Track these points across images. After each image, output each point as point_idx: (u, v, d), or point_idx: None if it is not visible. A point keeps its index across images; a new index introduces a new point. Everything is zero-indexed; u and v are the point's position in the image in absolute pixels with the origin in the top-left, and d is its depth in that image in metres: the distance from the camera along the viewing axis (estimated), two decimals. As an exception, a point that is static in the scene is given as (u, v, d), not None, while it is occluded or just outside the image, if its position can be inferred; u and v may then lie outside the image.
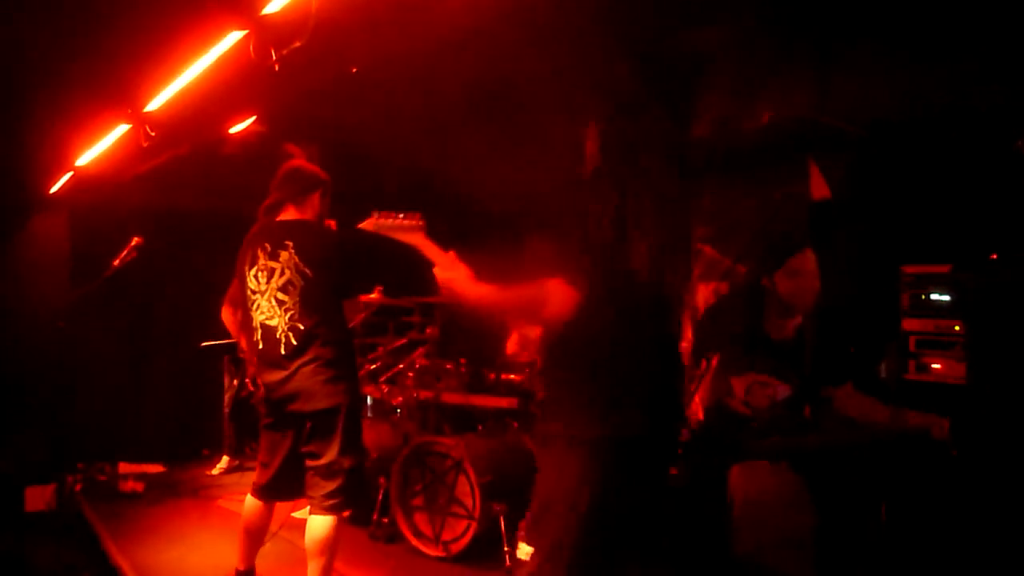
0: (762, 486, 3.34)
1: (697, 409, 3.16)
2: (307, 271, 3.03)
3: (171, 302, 5.94)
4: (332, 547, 3.02)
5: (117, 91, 3.55)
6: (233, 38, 2.74)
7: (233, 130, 4.20)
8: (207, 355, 5.70)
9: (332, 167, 3.40)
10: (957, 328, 3.53)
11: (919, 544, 2.96)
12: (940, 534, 2.95)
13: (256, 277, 3.08)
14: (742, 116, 4.00)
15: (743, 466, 3.37)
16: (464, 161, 4.73)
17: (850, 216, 4.15)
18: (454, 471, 3.98)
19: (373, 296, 4.59)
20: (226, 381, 5.70)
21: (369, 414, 5.12)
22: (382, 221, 2.18)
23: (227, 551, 3.78)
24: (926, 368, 3.59)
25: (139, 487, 5.22)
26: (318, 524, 3.02)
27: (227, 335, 5.31)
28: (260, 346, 3.07)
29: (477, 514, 3.84)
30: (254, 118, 4.04)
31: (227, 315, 5.35)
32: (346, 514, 3.11)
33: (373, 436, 4.54)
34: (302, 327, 3.00)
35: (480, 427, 4.72)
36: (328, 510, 3.02)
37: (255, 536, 3.22)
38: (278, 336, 3.02)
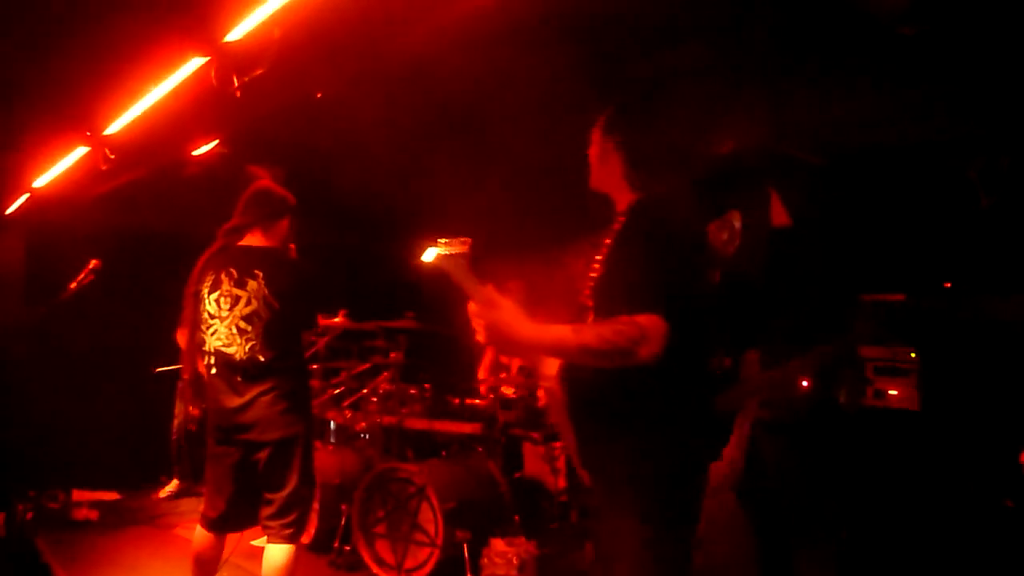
0: (718, 504, 3.38)
1: None
2: (275, 304, 2.99)
3: (128, 325, 5.83)
4: (291, 574, 2.99)
5: (76, 114, 3.52)
6: (195, 64, 2.72)
7: (196, 152, 4.16)
8: (162, 380, 5.61)
9: (296, 189, 3.38)
10: (913, 355, 3.59)
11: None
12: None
13: (217, 302, 3.02)
14: (702, 143, 4.07)
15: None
16: (427, 181, 4.74)
17: (808, 243, 4.22)
18: (417, 498, 3.94)
19: (337, 320, 4.56)
20: (177, 407, 5.61)
21: (332, 439, 5.06)
22: (444, 248, 1.81)
23: (183, 582, 3.70)
24: (882, 394, 3.65)
25: (93, 515, 5.09)
26: (277, 552, 2.99)
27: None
28: (213, 371, 3.01)
29: (440, 541, 3.81)
30: (216, 141, 4.01)
31: (184, 338, 5.28)
32: (306, 540, 3.07)
33: (336, 462, 4.49)
34: (262, 359, 2.96)
35: (444, 453, 4.69)
36: (288, 539, 3.00)
37: (207, 567, 3.15)
38: (235, 364, 2.97)
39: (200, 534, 3.12)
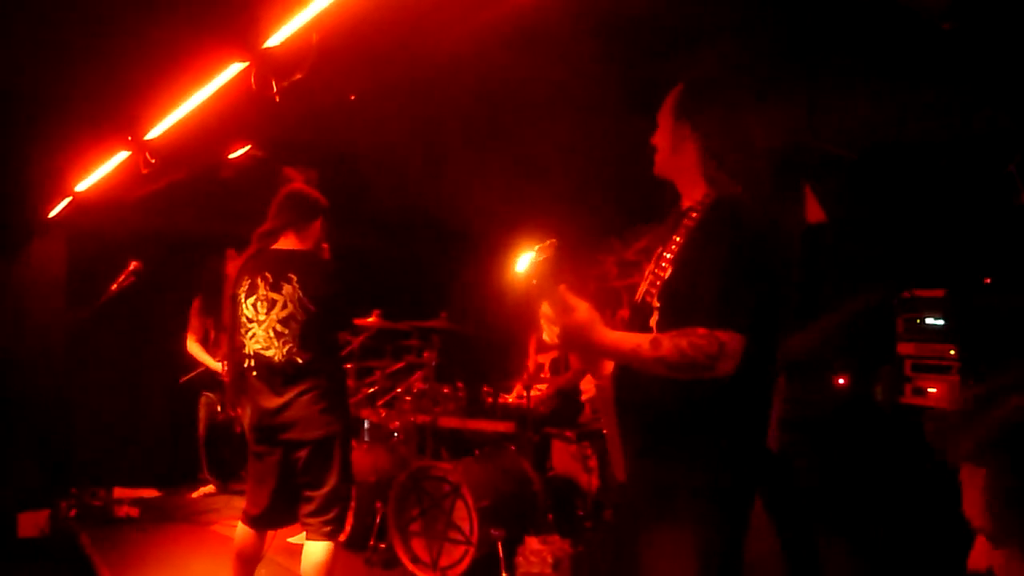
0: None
1: None
2: (311, 307, 3.04)
3: (168, 326, 5.93)
4: (330, 571, 3.04)
5: (118, 119, 3.59)
6: (234, 69, 2.77)
7: (232, 156, 4.23)
8: (189, 387, 5.71)
9: (330, 191, 3.42)
10: (952, 352, 3.55)
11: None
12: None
13: (255, 306, 3.07)
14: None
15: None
16: (460, 182, 4.77)
17: (845, 240, 4.19)
18: (452, 496, 3.97)
19: (371, 320, 4.60)
20: (202, 413, 5.70)
21: (366, 438, 5.11)
22: (536, 254, 1.79)
23: (223, 577, 3.76)
24: (922, 392, 3.61)
25: (134, 512, 5.18)
26: (317, 549, 3.04)
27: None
28: (253, 373, 3.07)
29: (475, 539, 3.83)
30: (249, 146, 4.08)
31: (194, 347, 5.46)
32: (342, 538, 3.12)
33: (370, 460, 4.53)
34: (300, 361, 3.02)
35: (478, 451, 4.71)
36: (327, 535, 3.05)
37: (248, 563, 3.21)
38: (274, 366, 3.02)
39: (242, 531, 3.18)
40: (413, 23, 2.47)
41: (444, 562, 3.96)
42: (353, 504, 4.30)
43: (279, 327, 3.03)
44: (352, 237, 3.34)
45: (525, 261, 1.81)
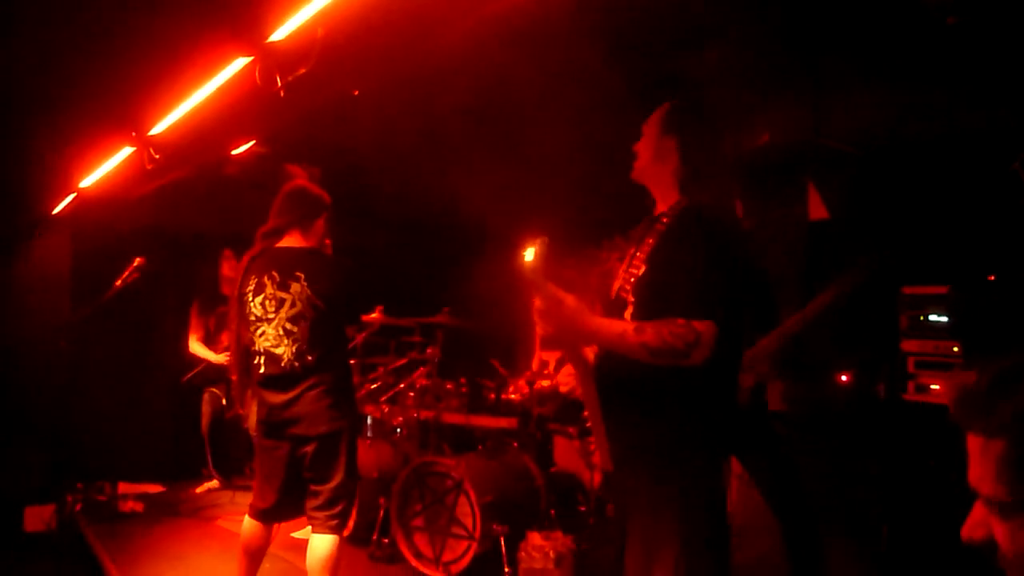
0: (756, 500, 3.38)
1: None
2: (319, 304, 3.05)
3: (172, 321, 5.95)
4: (335, 565, 3.06)
5: (122, 115, 3.60)
6: (239, 64, 2.78)
7: (235, 152, 4.24)
8: (194, 384, 5.73)
9: (332, 187, 3.42)
10: (956, 349, 3.54)
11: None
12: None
13: (263, 305, 3.08)
14: (740, 138, 4.04)
15: (742, 480, 3.42)
16: (462, 179, 4.78)
17: (848, 237, 4.18)
18: (455, 491, 3.98)
19: (374, 316, 4.61)
20: (206, 408, 5.72)
21: (369, 434, 5.12)
22: (534, 248, 1.93)
23: (226, 571, 3.78)
24: (925, 389, 3.60)
25: (139, 507, 5.20)
26: (322, 543, 3.05)
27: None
28: (262, 370, 3.09)
29: (477, 535, 3.84)
30: (253, 141, 4.08)
31: (197, 346, 5.49)
32: (345, 533, 3.13)
33: (373, 456, 4.54)
34: (309, 358, 3.04)
35: (480, 447, 4.72)
36: (332, 529, 3.07)
37: (255, 557, 3.23)
38: (283, 363, 3.05)
39: (249, 524, 3.20)
40: (418, 18, 2.47)
41: (447, 557, 3.96)
42: (356, 499, 4.32)
43: (288, 325, 3.04)
44: (355, 233, 3.34)
45: (523, 257, 1.93)
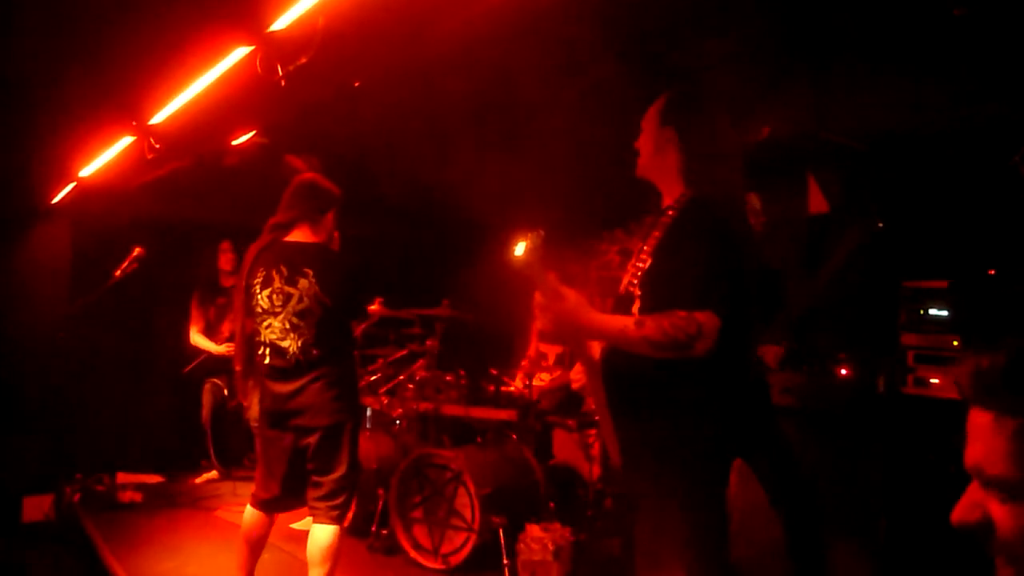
0: (757, 495, 3.38)
1: None
2: (327, 301, 3.07)
3: (171, 312, 5.95)
4: (336, 555, 3.08)
5: (123, 104, 3.58)
6: (239, 53, 2.76)
7: (235, 142, 4.22)
8: (195, 375, 5.73)
9: (331, 178, 3.41)
10: (955, 343, 3.54)
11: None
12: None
13: (270, 298, 3.09)
14: (741, 130, 4.04)
15: (740, 475, 3.42)
16: (463, 171, 4.77)
17: (848, 231, 4.18)
18: (453, 483, 3.99)
19: (373, 307, 4.61)
20: (206, 398, 5.73)
21: (369, 425, 5.13)
22: (527, 241, 1.91)
23: (225, 561, 3.79)
24: (924, 382, 3.61)
25: (137, 497, 5.20)
26: (323, 532, 3.07)
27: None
28: (267, 361, 3.11)
29: (476, 526, 3.85)
30: (254, 132, 4.06)
31: (198, 337, 5.50)
32: (345, 524, 3.15)
33: (373, 447, 4.55)
34: (315, 352, 3.06)
35: (479, 439, 4.73)
36: (334, 520, 3.09)
37: (255, 546, 3.24)
38: (288, 356, 3.07)
39: (251, 514, 3.21)
40: (419, 8, 2.46)
41: (446, 549, 3.98)
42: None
43: (295, 320, 3.06)
44: (354, 224, 3.34)
45: (515, 250, 1.91)
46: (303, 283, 3.05)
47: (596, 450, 4.44)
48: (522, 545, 3.74)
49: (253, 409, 4.27)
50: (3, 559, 4.52)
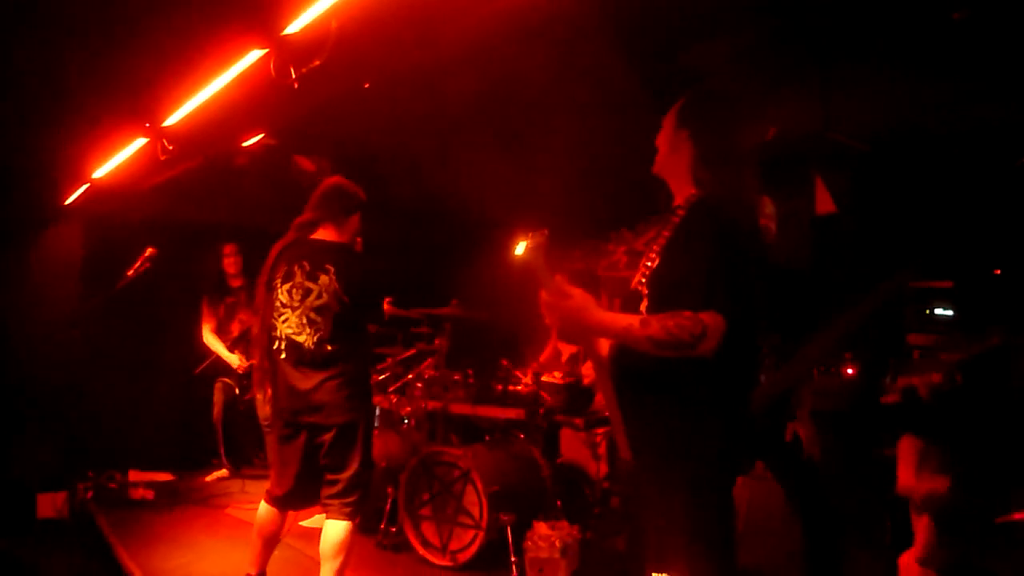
0: (766, 498, 3.40)
1: None
2: (345, 299, 3.12)
3: (182, 311, 6.00)
4: (348, 550, 3.13)
5: (136, 106, 3.63)
6: (253, 56, 2.81)
7: (246, 143, 4.26)
8: (206, 375, 5.78)
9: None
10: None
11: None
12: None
13: (289, 292, 3.14)
14: (748, 131, 4.05)
15: (748, 479, 3.44)
16: (472, 171, 4.80)
17: (854, 231, 4.20)
18: (462, 481, 4.02)
19: (383, 307, 4.64)
20: (218, 396, 5.78)
21: (377, 424, 5.17)
22: (530, 241, 1.93)
23: (235, 558, 3.82)
24: (930, 382, 3.61)
25: (149, 495, 5.26)
26: (336, 528, 3.12)
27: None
28: (282, 355, 3.15)
29: (484, 524, 3.88)
30: (263, 134, 4.11)
31: (210, 337, 5.54)
32: (356, 520, 3.19)
33: (381, 446, 4.58)
34: (330, 348, 3.10)
35: (487, 438, 4.76)
36: (347, 516, 3.14)
37: (269, 542, 3.29)
38: (304, 351, 3.11)
39: (264, 510, 3.26)
40: (430, 11, 2.50)
41: (454, 546, 4.01)
42: (366, 488, 4.36)
43: (312, 315, 3.10)
44: (364, 224, 3.38)
45: (519, 250, 1.94)
46: (324, 279, 3.11)
47: (603, 449, 4.47)
48: (529, 543, 3.77)
49: (265, 408, 4.31)
50: (18, 555, 4.57)
